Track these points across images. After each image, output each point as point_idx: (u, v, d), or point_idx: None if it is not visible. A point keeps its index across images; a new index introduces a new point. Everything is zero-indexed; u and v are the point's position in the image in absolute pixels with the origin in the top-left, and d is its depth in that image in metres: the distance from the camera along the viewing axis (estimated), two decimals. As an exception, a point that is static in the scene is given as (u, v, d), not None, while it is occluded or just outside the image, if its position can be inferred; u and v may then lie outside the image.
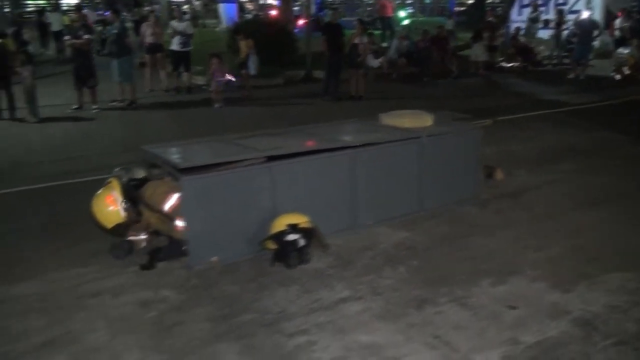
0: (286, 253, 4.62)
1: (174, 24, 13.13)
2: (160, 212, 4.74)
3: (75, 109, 11.73)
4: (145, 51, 13.67)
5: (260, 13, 33.05)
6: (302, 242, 4.64)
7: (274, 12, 31.51)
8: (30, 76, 11.08)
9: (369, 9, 36.74)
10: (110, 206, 4.92)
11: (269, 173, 4.77)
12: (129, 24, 24.88)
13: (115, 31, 11.86)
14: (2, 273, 4.69)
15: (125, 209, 4.92)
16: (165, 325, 3.91)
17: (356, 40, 12.25)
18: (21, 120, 11.02)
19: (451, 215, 5.75)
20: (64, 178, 7.18)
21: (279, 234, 4.60)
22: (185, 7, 33.61)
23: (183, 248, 4.67)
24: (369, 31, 14.84)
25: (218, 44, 15.38)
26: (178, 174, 4.50)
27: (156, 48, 13.35)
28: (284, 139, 5.44)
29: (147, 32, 13.29)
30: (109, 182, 5.03)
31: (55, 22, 20.98)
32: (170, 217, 4.69)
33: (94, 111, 11.58)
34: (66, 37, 11.80)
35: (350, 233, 5.26)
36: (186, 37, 12.96)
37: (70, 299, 4.29)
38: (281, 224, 4.64)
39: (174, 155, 4.80)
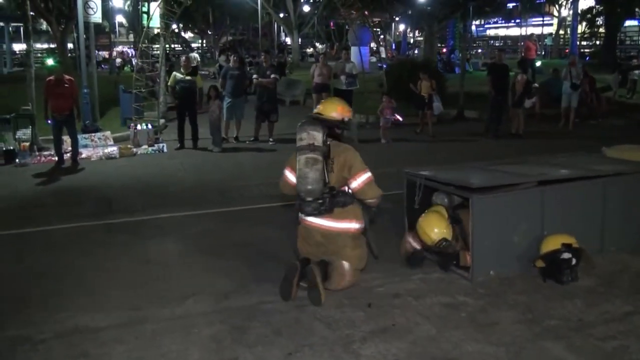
0: (560, 270, 5.10)
1: (342, 64, 14.16)
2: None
3: (252, 140, 12.87)
4: (313, 90, 14.78)
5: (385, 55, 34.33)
6: (574, 261, 5.11)
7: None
8: (217, 110, 12.36)
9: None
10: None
11: (541, 196, 5.33)
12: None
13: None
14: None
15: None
16: (482, 324, 4.47)
17: (518, 79, 12.74)
18: (204, 149, 12.26)
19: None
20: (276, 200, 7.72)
21: (554, 252, 5.10)
22: (310, 50, 35.43)
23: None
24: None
25: (370, 85, 16.25)
26: (469, 193, 5.13)
27: (322, 88, 14.43)
28: (541, 167, 6.00)
29: (316, 73, 14.41)
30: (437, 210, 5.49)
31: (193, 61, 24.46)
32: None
33: (270, 143, 12.65)
34: (254, 76, 13.02)
35: (597, 257, 5.66)
36: (352, 78, 13.93)
37: (375, 298, 4.94)
38: (555, 243, 5.15)
39: (455, 177, 5.44)
